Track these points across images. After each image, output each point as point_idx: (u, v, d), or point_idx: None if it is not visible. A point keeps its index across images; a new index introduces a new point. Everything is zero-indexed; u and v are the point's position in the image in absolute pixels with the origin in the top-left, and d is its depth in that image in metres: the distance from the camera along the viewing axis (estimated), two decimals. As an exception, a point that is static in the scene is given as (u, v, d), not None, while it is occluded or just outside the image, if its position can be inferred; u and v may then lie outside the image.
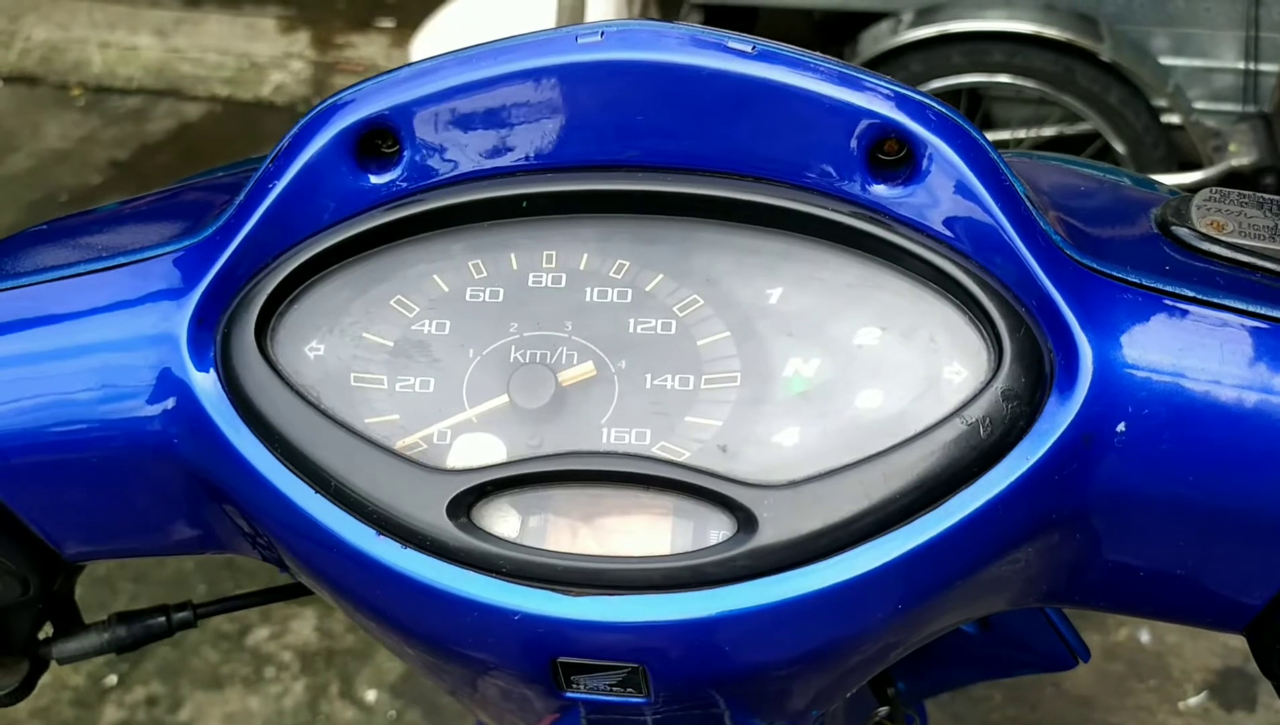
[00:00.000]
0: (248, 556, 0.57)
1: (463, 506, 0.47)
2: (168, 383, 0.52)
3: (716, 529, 0.46)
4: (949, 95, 2.63)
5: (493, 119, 0.50)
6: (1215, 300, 0.48)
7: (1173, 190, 0.58)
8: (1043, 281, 0.48)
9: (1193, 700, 1.98)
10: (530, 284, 0.51)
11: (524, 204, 0.51)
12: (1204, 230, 0.51)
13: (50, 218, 0.60)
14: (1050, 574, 0.52)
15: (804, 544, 0.45)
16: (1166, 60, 2.63)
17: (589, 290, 0.51)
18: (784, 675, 0.49)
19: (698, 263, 0.51)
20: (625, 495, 0.47)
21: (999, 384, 0.46)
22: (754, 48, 0.49)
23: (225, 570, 2.16)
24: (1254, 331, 0.47)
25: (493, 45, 0.50)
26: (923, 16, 2.55)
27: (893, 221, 0.49)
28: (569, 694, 0.49)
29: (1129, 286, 0.49)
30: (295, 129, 0.51)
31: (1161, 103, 2.58)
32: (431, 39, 2.83)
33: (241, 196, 0.52)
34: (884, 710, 0.73)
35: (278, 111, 3.75)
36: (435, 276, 0.52)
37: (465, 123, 0.50)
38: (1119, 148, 2.60)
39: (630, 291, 0.51)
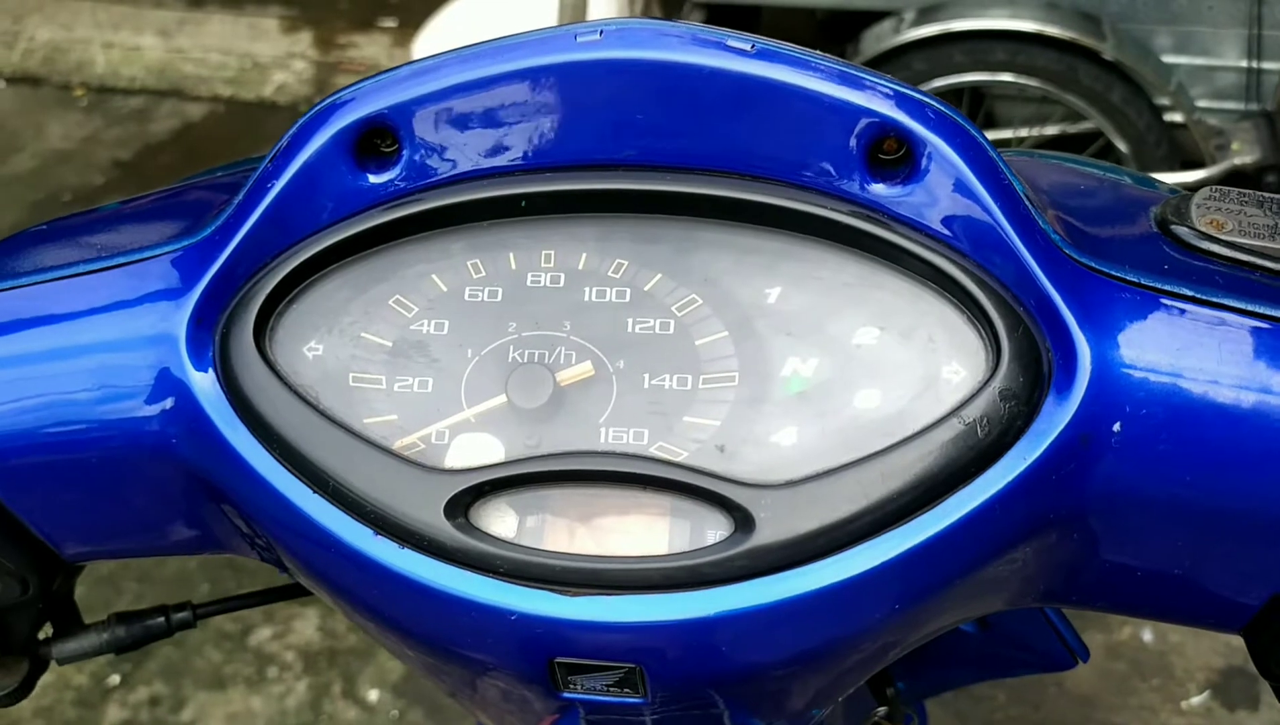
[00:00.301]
0: (246, 556, 0.57)
1: (460, 506, 0.47)
2: (166, 383, 0.52)
3: (714, 529, 0.46)
4: (951, 94, 2.63)
5: (491, 118, 0.50)
6: (1214, 299, 0.48)
7: (1173, 189, 0.58)
8: (1041, 281, 0.48)
9: (1195, 699, 1.98)
10: (529, 283, 0.51)
11: (523, 203, 0.51)
12: (1203, 229, 0.50)
13: (51, 215, 0.60)
14: (1048, 574, 0.51)
15: (801, 544, 0.45)
16: (1169, 58, 2.63)
17: (587, 290, 0.51)
18: (782, 675, 0.49)
19: (696, 262, 0.51)
20: (623, 495, 0.47)
21: (997, 384, 0.46)
22: (753, 46, 0.48)
23: (228, 569, 2.16)
24: (1253, 331, 0.47)
25: (491, 44, 0.50)
26: (925, 15, 2.55)
27: (891, 221, 0.49)
28: (566, 694, 0.49)
29: (1128, 286, 0.49)
30: (294, 129, 0.51)
31: (1164, 101, 2.58)
32: (434, 38, 2.83)
33: (240, 196, 0.52)
34: (883, 710, 0.73)
35: (280, 111, 3.75)
36: (434, 276, 0.52)
37: (464, 122, 0.50)
38: (1121, 146, 2.60)
39: (629, 291, 0.51)
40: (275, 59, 3.90)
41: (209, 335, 0.51)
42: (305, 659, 2.08)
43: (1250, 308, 0.47)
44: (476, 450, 0.48)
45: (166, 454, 0.52)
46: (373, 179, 0.51)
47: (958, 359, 0.48)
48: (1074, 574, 0.52)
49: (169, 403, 0.52)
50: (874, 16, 2.67)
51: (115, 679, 2.05)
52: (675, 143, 0.50)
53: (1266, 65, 2.59)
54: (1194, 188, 0.53)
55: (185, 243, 0.53)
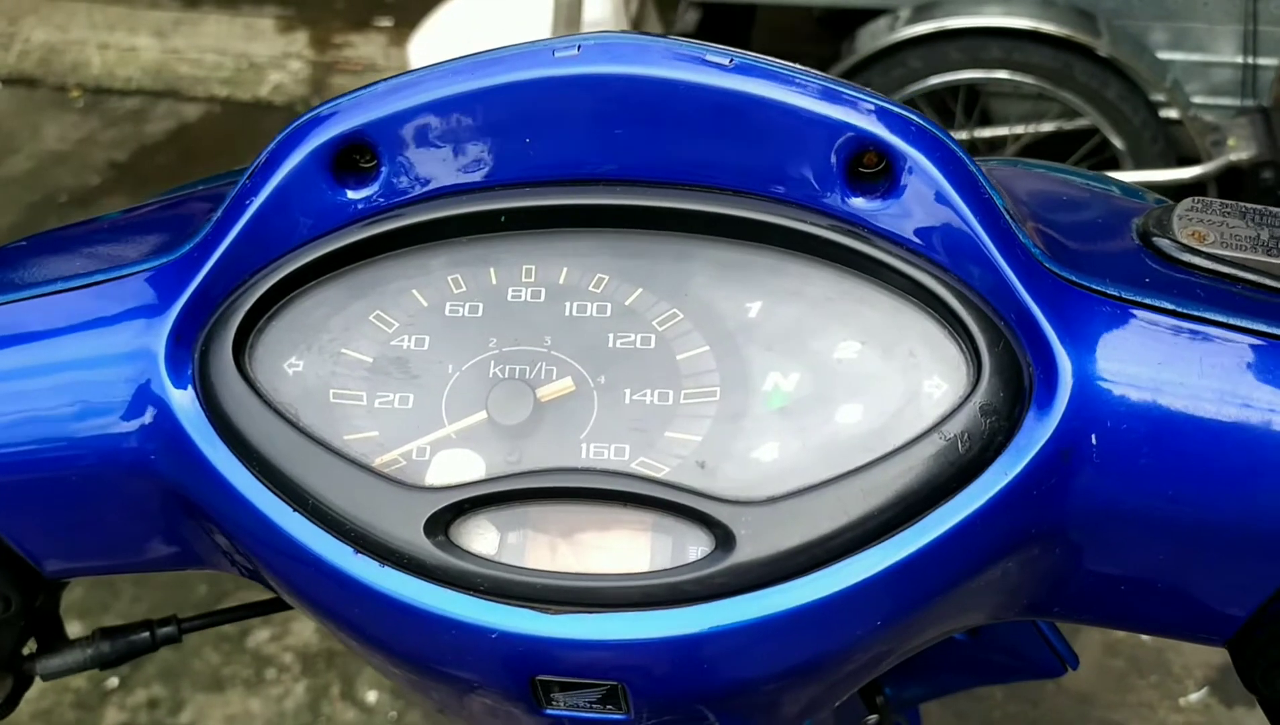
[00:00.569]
0: (227, 573, 0.57)
1: (440, 524, 0.47)
2: (145, 400, 0.51)
3: (695, 545, 0.46)
4: (947, 91, 2.63)
5: (471, 134, 0.50)
6: (1194, 313, 0.48)
7: (1159, 199, 0.58)
8: (1021, 295, 0.47)
9: (1193, 696, 1.98)
10: (509, 298, 0.51)
11: (503, 218, 0.51)
12: (1185, 241, 0.50)
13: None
14: (1031, 588, 0.51)
15: (782, 561, 0.45)
16: (1164, 55, 2.62)
17: (568, 304, 0.51)
18: (764, 691, 0.49)
19: (677, 276, 0.51)
20: (604, 512, 0.47)
21: (978, 399, 0.46)
22: (732, 61, 0.48)
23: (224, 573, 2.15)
24: (1233, 345, 0.47)
25: (470, 59, 0.50)
26: (920, 12, 2.55)
27: (872, 235, 0.49)
28: (549, 711, 0.49)
29: (1108, 299, 0.48)
30: (272, 145, 0.51)
31: (1160, 97, 2.58)
32: (430, 38, 2.83)
33: (219, 213, 0.52)
34: (874, 719, 0.73)
35: (276, 111, 3.75)
36: (414, 291, 0.51)
37: (443, 137, 0.50)
38: (1117, 143, 2.60)
39: (609, 306, 0.50)
40: (271, 59, 3.89)
41: (188, 353, 0.51)
42: (303, 660, 2.09)
43: (1231, 321, 0.47)
44: (457, 467, 0.48)
45: (146, 472, 0.52)
46: (352, 195, 0.51)
47: (939, 373, 0.48)
48: (1058, 588, 0.51)
49: (148, 420, 0.51)
50: (870, 14, 2.67)
51: (114, 682, 2.06)
52: (655, 157, 0.50)
53: (1262, 61, 2.59)
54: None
55: (164, 260, 0.53)
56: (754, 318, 0.49)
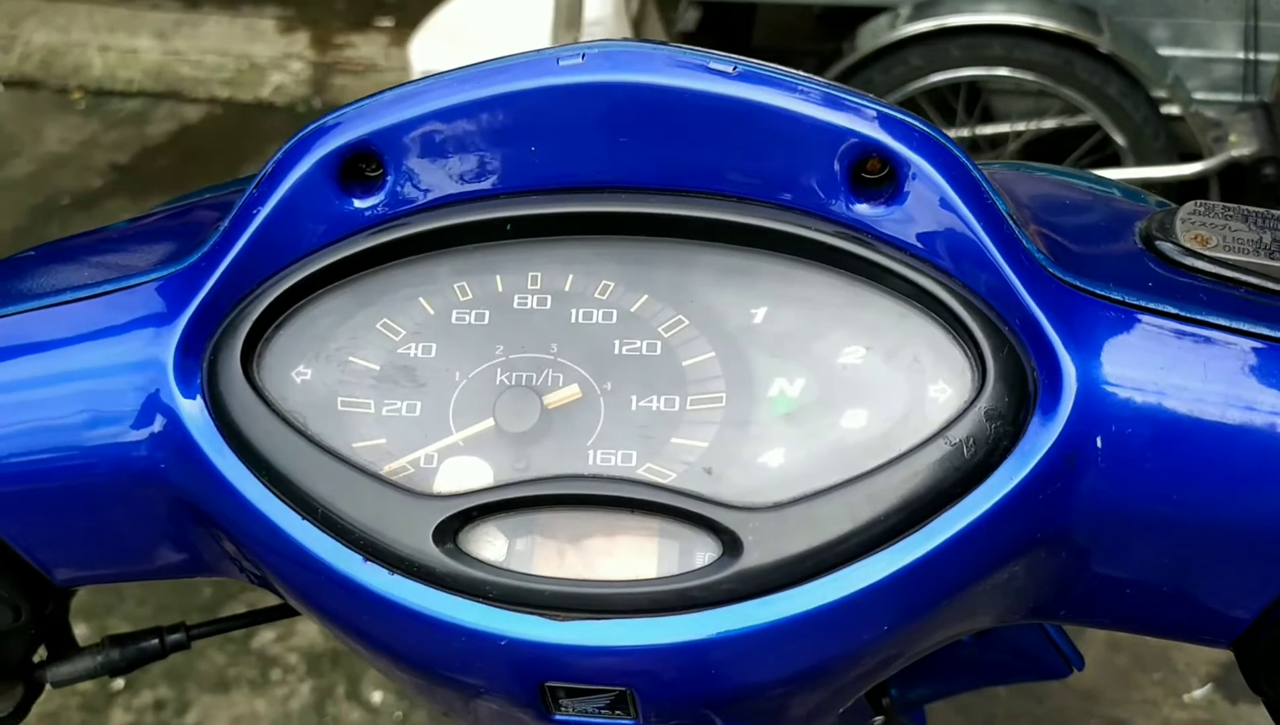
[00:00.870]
0: (236, 579, 0.58)
1: (449, 531, 0.47)
2: (154, 410, 0.52)
3: (702, 551, 0.46)
4: (949, 89, 2.63)
5: (476, 142, 0.50)
6: (1198, 317, 0.48)
7: (1161, 202, 0.58)
8: (1025, 300, 0.48)
9: (1198, 693, 1.98)
10: (516, 306, 0.51)
11: (509, 226, 0.51)
12: (1188, 245, 0.50)
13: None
14: (1037, 591, 0.52)
15: (789, 566, 0.45)
16: (1166, 51, 2.62)
17: (574, 311, 0.51)
18: (771, 696, 0.49)
19: (683, 283, 0.51)
20: (611, 518, 0.47)
21: (982, 404, 0.46)
22: (735, 68, 0.48)
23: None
24: (1236, 348, 0.47)
25: (475, 68, 0.50)
26: (921, 10, 2.54)
27: (876, 241, 0.49)
28: (558, 717, 0.50)
29: (1112, 304, 0.49)
30: (279, 154, 0.51)
31: (1161, 94, 2.57)
32: (430, 38, 2.82)
33: (226, 222, 0.52)
34: (880, 720, 0.73)
35: (278, 112, 3.75)
36: (421, 299, 0.52)
37: (449, 146, 0.50)
38: (1119, 139, 2.59)
39: (615, 312, 0.51)
40: (272, 60, 3.89)
41: (196, 362, 0.51)
42: (309, 661, 2.09)
43: (1235, 325, 0.47)
44: (465, 474, 0.49)
45: (155, 480, 0.52)
46: (358, 204, 0.51)
47: (943, 379, 0.48)
48: (1063, 591, 0.52)
49: (157, 429, 0.52)
50: (870, 11, 2.67)
51: (120, 684, 2.06)
52: (659, 165, 0.50)
53: (1263, 57, 2.59)
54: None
55: (172, 269, 0.53)
56: (759, 323, 0.50)
